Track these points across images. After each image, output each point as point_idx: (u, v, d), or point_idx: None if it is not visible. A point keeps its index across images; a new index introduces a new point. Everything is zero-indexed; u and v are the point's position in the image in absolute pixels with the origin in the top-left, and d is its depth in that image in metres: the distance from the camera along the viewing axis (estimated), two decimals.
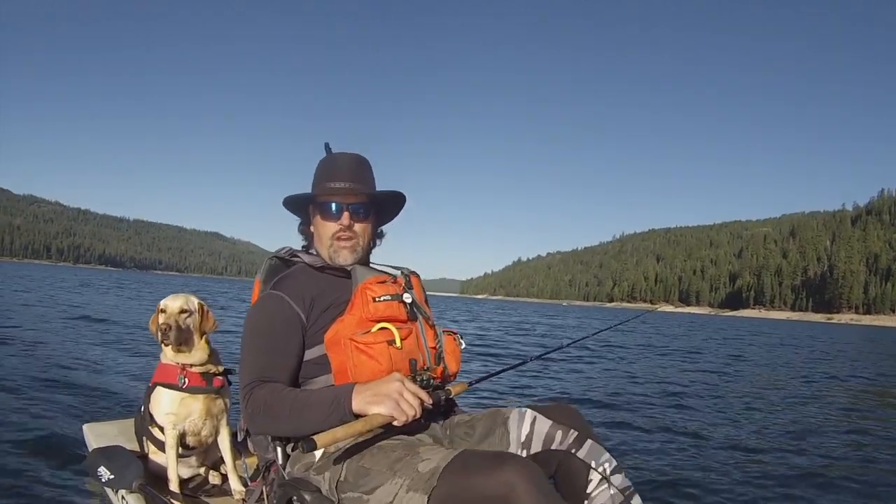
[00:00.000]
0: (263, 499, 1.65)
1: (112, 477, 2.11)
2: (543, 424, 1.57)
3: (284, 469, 1.59)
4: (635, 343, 15.64)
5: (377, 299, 1.59)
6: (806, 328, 55.39)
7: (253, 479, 1.81)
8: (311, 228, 1.77)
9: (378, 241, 1.84)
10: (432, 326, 1.72)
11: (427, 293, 1.84)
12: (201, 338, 2.17)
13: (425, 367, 1.63)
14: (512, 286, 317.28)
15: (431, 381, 1.61)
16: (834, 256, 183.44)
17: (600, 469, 1.52)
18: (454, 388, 1.70)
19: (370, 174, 1.74)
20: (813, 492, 3.50)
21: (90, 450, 2.41)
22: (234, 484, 2.23)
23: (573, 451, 1.53)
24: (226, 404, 2.25)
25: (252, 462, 1.94)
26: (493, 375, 2.12)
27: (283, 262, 1.79)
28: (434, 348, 1.69)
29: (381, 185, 1.76)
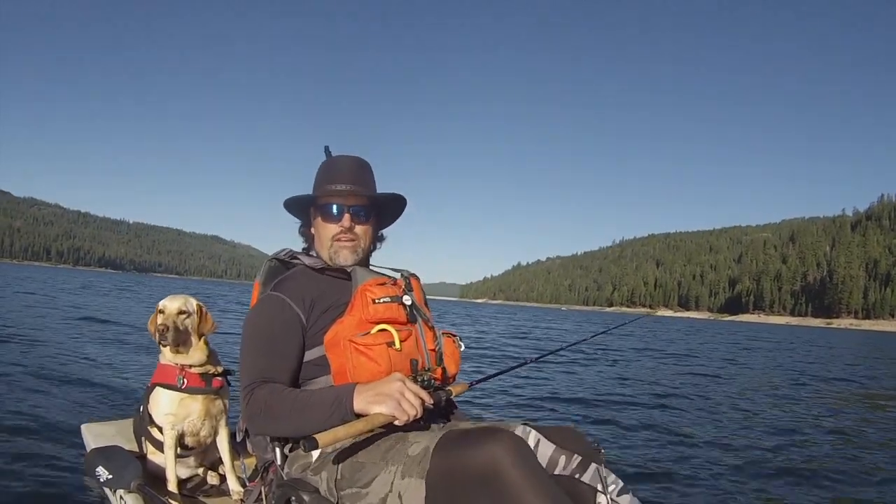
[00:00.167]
0: (262, 499, 1.65)
1: (110, 477, 2.11)
2: (547, 448, 1.49)
3: (283, 469, 1.60)
4: (631, 346, 15.69)
5: (377, 301, 1.59)
6: (805, 333, 55.48)
7: (251, 479, 1.81)
8: (312, 230, 1.78)
9: (378, 245, 1.84)
10: (432, 328, 1.72)
11: (427, 297, 1.84)
12: (199, 339, 2.17)
13: (426, 368, 1.64)
14: (512, 290, 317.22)
15: (432, 381, 1.61)
16: (833, 262, 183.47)
17: (608, 491, 1.46)
18: (455, 389, 1.70)
19: (371, 177, 1.75)
20: (789, 488, 3.63)
21: (88, 450, 2.41)
22: (233, 484, 2.23)
23: (577, 475, 1.48)
24: (224, 405, 2.25)
25: (250, 462, 1.94)
26: (493, 377, 2.12)
27: (283, 263, 1.80)
28: (433, 350, 1.69)
29: (381, 187, 1.77)
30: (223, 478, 2.31)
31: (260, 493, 1.67)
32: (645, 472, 3.68)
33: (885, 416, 6.96)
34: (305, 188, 1.75)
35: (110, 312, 13.45)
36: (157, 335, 2.10)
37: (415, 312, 1.68)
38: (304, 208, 1.77)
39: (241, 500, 2.13)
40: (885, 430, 5.80)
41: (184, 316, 2.13)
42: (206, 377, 2.17)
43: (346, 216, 1.68)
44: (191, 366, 2.15)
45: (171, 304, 2.14)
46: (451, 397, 1.67)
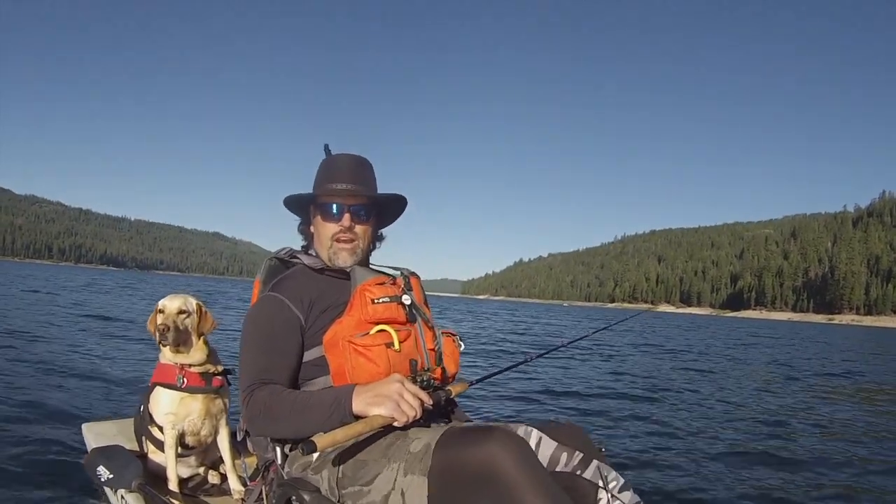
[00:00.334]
0: (262, 498, 1.66)
1: (111, 476, 2.11)
2: (548, 447, 1.51)
3: (283, 469, 1.60)
4: (632, 342, 15.73)
5: (376, 301, 1.58)
6: (806, 329, 55.55)
7: (252, 478, 1.81)
8: (311, 228, 1.77)
9: (378, 244, 1.84)
10: (431, 328, 1.72)
11: (428, 294, 1.84)
12: (199, 338, 2.17)
13: (425, 368, 1.63)
14: (513, 287, 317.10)
15: (432, 381, 1.61)
16: (835, 258, 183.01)
17: (608, 488, 1.47)
18: (455, 388, 1.70)
19: (371, 176, 1.74)
20: (790, 480, 3.70)
21: (89, 449, 2.40)
22: (234, 483, 2.23)
23: (578, 472, 1.48)
24: (225, 404, 2.24)
25: (251, 462, 1.94)
26: (493, 375, 2.12)
27: (283, 262, 1.79)
28: (433, 350, 1.69)
29: (382, 185, 1.75)
30: (224, 477, 2.31)
31: (261, 492, 1.67)
32: (646, 469, 3.70)
33: (873, 409, 7.08)
34: (306, 186, 1.73)
35: (112, 310, 13.48)
36: (158, 335, 2.09)
37: (414, 312, 1.67)
38: (304, 206, 1.77)
39: (242, 499, 2.13)
40: (870, 423, 5.92)
41: (184, 315, 2.13)
42: (206, 376, 2.16)
43: (346, 215, 1.67)
44: (191, 365, 2.14)
45: (170, 304, 2.13)
46: (451, 397, 1.66)
